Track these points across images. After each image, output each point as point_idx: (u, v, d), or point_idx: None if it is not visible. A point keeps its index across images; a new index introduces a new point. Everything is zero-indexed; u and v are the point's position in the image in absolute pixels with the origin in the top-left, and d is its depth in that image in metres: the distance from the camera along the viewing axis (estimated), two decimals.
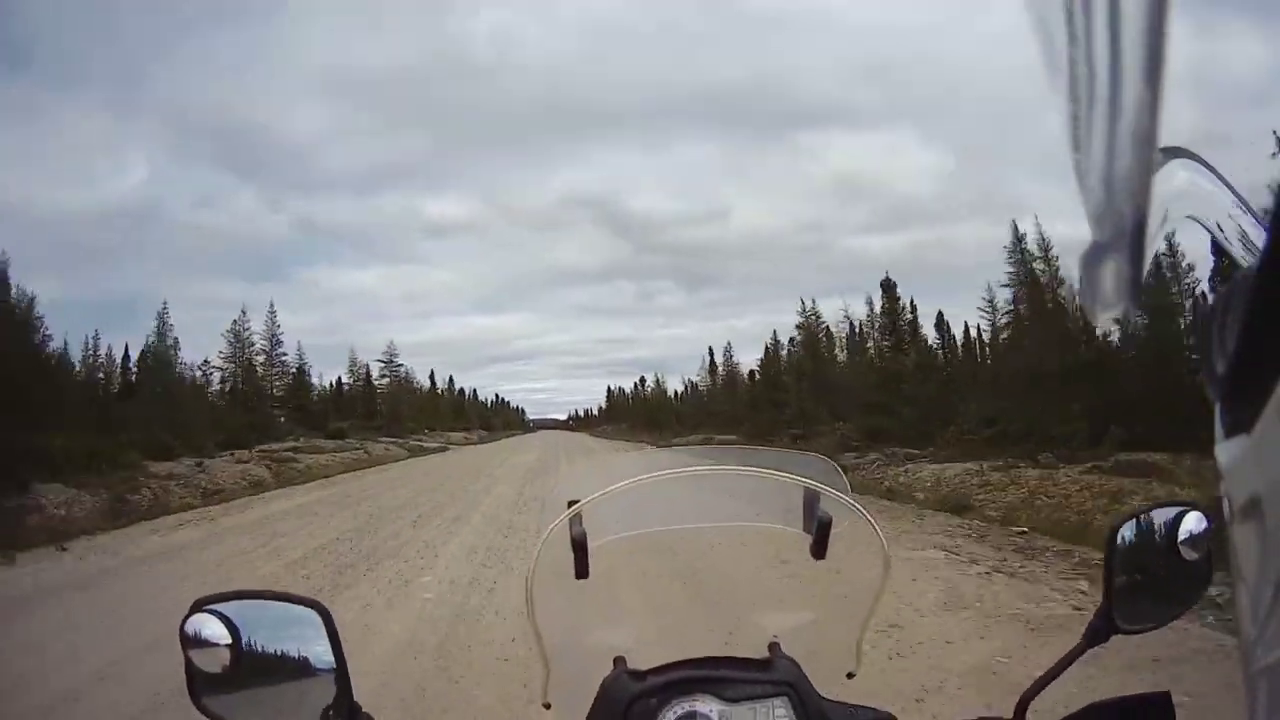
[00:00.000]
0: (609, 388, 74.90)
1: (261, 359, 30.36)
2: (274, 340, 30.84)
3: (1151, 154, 0.25)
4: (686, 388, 47.30)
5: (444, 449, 37.21)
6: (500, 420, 75.92)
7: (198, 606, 0.69)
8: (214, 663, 0.67)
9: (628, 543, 0.85)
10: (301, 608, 0.71)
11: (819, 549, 0.81)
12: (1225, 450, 0.28)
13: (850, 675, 0.85)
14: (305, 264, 75.69)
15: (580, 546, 0.79)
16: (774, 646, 0.80)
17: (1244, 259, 0.45)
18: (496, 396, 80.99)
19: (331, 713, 0.69)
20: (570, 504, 0.81)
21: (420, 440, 37.39)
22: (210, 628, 0.67)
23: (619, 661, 0.78)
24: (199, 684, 0.68)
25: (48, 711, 3.53)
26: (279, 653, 0.69)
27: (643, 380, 61.76)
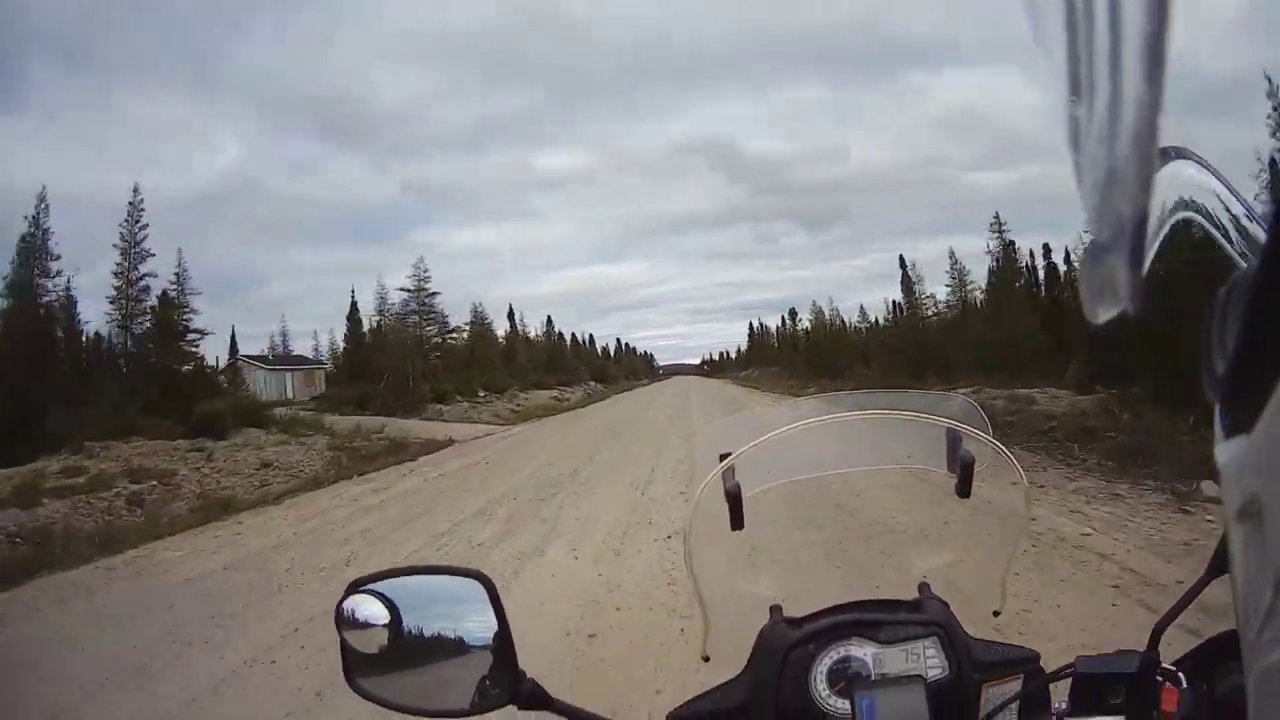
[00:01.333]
0: (751, 324, 66.86)
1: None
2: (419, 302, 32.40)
3: (1152, 154, 0.25)
4: (867, 323, 38.41)
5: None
6: (622, 368, 69.50)
7: (354, 588, 0.69)
8: (370, 643, 0.67)
9: (780, 491, 0.85)
10: (463, 579, 0.71)
11: (963, 488, 0.81)
12: (1225, 450, 0.28)
13: (996, 613, 0.86)
14: (418, 226, 75.62)
15: (735, 498, 0.80)
16: (924, 587, 0.80)
17: (1244, 259, 0.45)
18: (619, 343, 75.88)
19: (488, 683, 0.69)
20: (722, 457, 0.82)
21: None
22: (367, 608, 0.67)
23: (775, 610, 0.79)
24: (354, 665, 0.68)
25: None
26: (439, 627, 0.69)
27: (793, 313, 52.51)
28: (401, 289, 32.54)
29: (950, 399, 0.93)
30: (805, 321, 47.33)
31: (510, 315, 39.64)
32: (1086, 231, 0.28)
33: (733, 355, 76.28)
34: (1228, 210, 0.46)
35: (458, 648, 0.69)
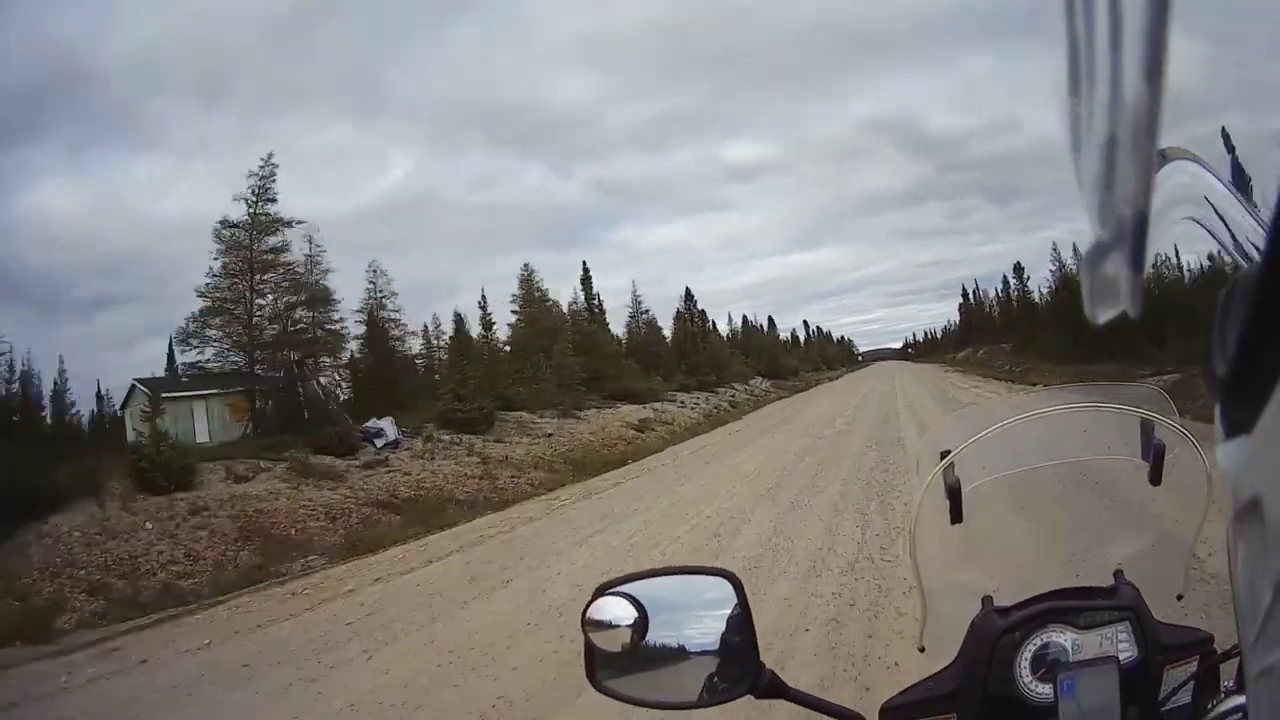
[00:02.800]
0: (965, 292, 55.99)
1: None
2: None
3: (1152, 154, 0.25)
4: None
5: None
6: (809, 359, 60.44)
7: (600, 591, 0.72)
8: (614, 643, 0.69)
9: (994, 486, 0.90)
10: (711, 577, 0.74)
11: (1155, 475, 0.84)
12: (1225, 450, 0.28)
13: (1179, 597, 0.89)
14: (610, 227, 75.40)
15: (955, 493, 0.83)
16: (1118, 574, 0.84)
17: (1244, 259, 0.45)
18: (808, 328, 67.42)
19: (725, 675, 0.72)
20: (943, 455, 0.86)
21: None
22: (613, 609, 0.70)
23: (986, 600, 0.83)
24: (598, 664, 0.71)
25: None
26: (683, 625, 0.72)
27: (1019, 270, 43.18)
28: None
29: (1140, 389, 0.96)
30: (1038, 282, 39.16)
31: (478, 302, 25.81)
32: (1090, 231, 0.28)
33: (938, 335, 70.55)
34: (1228, 211, 0.46)
35: (699, 643, 0.72)
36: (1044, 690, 0.76)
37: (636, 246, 60.83)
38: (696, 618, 0.72)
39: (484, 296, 25.47)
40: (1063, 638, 0.78)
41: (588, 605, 0.71)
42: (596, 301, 31.33)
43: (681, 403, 27.74)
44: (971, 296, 56.33)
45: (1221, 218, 0.46)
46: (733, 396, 33.55)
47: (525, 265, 27.37)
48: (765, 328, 53.94)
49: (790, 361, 52.81)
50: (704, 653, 0.72)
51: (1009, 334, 41.11)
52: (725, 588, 0.73)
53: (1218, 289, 0.29)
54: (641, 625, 0.69)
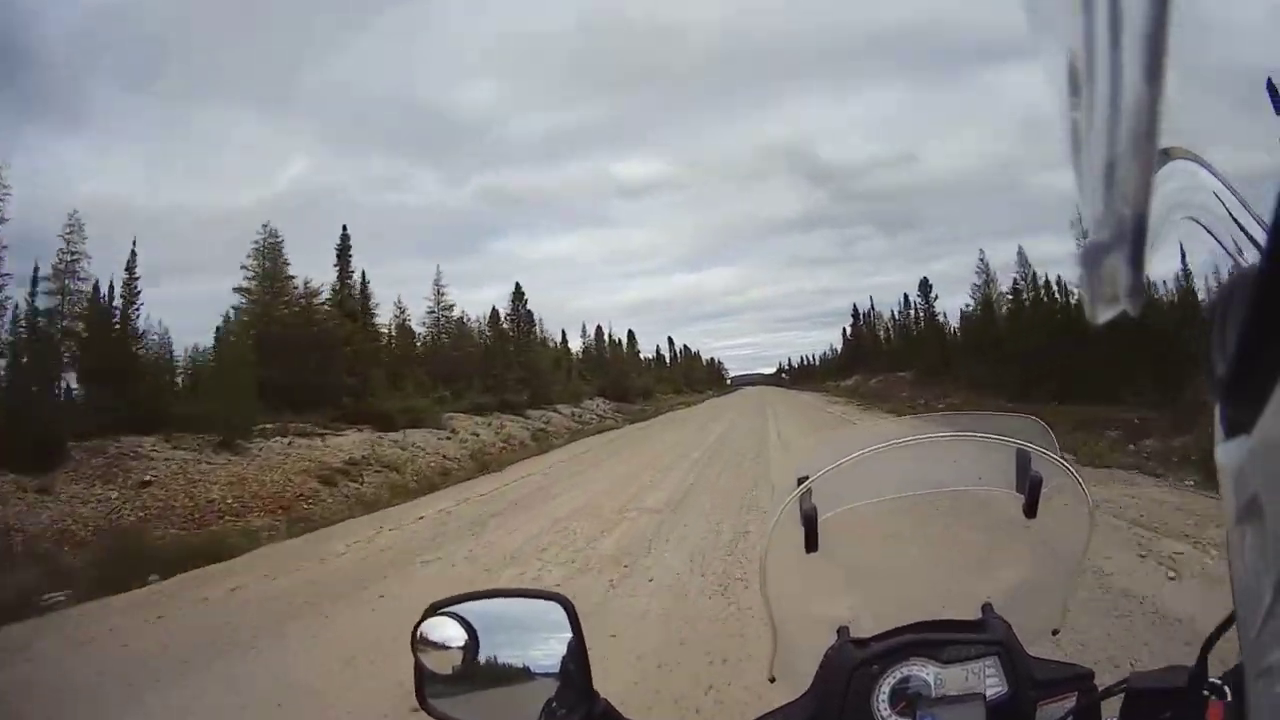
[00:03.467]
0: (856, 309, 49.10)
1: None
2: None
3: (1152, 154, 0.25)
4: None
5: None
6: (671, 380, 54.46)
7: (432, 610, 0.69)
8: (445, 664, 0.67)
9: (852, 514, 0.88)
10: (543, 601, 0.72)
11: (1030, 508, 0.83)
12: (1225, 450, 0.28)
13: (1055, 632, 0.88)
14: (498, 236, 73.27)
15: (810, 521, 0.81)
16: (986, 607, 0.82)
17: (1244, 259, 0.45)
18: (672, 346, 61.46)
19: (559, 703, 0.70)
20: (799, 481, 0.84)
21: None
22: (444, 630, 0.68)
23: (842, 631, 0.81)
24: (426, 685, 0.69)
25: None
26: (515, 649, 0.70)
27: (926, 288, 37.53)
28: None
29: (1019, 420, 0.93)
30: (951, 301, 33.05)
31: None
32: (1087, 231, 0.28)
33: (815, 361, 66.33)
34: (1228, 210, 0.46)
35: (532, 668, 0.70)
36: None
37: (523, 257, 59.10)
38: (529, 642, 0.70)
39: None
40: (924, 672, 0.75)
41: (418, 624, 0.69)
42: (364, 298, 23.46)
43: (452, 432, 19.12)
44: (864, 319, 49.97)
45: (1221, 218, 0.46)
46: (546, 423, 25.09)
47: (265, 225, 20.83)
48: (625, 343, 47.44)
49: (642, 382, 45.03)
50: (537, 678, 0.70)
51: (907, 361, 36.70)
52: (559, 612, 0.71)
53: (1217, 289, 0.29)
54: (473, 647, 0.67)
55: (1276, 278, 0.24)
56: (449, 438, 18.80)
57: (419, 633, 0.68)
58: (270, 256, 20.71)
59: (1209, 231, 0.46)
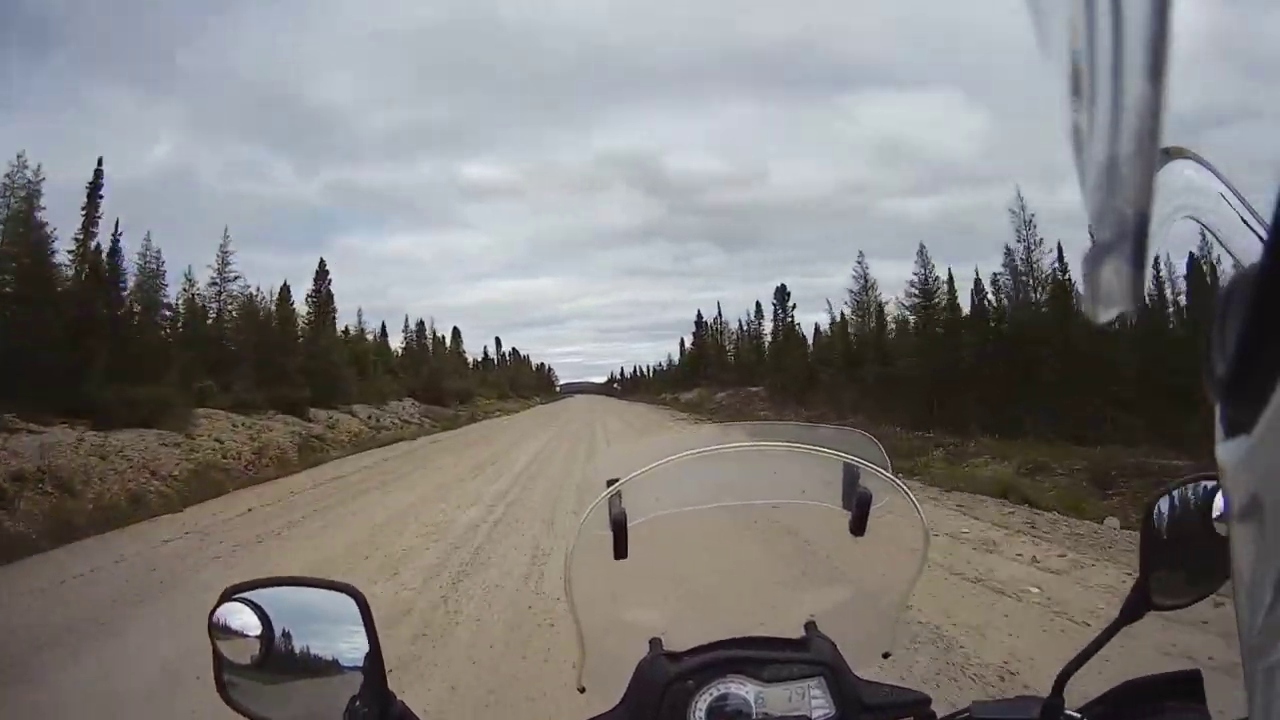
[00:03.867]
0: (700, 319, 45.83)
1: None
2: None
3: (1154, 154, 0.25)
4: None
5: None
6: (497, 384, 49.64)
7: (227, 595, 0.67)
8: (243, 654, 0.65)
9: (666, 522, 0.84)
10: (335, 593, 0.69)
11: (858, 526, 0.80)
12: (1225, 450, 0.28)
13: (886, 655, 0.85)
14: (345, 231, 71.73)
15: (619, 526, 0.78)
16: (810, 626, 0.79)
17: (1244, 259, 0.45)
18: (500, 348, 57.61)
19: (359, 703, 0.67)
20: (609, 483, 0.80)
21: None
22: (240, 617, 0.65)
23: (655, 643, 0.78)
24: (226, 675, 0.66)
25: None
26: (311, 641, 0.67)
27: (784, 295, 34.09)
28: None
29: (850, 433, 0.91)
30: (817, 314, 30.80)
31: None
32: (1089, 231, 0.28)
33: (648, 373, 63.77)
34: (1229, 210, 0.46)
35: (331, 664, 0.67)
36: None
37: (367, 254, 58.04)
38: (328, 634, 0.67)
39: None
40: (744, 690, 0.72)
41: (214, 609, 0.66)
42: (112, 258, 18.11)
43: (187, 437, 14.51)
44: (709, 328, 45.31)
45: (1222, 218, 0.46)
46: (331, 427, 20.87)
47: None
48: (448, 340, 43.00)
49: (462, 384, 40.19)
50: (338, 673, 0.67)
51: (759, 375, 33.23)
52: (351, 606, 0.68)
53: (1217, 289, 0.29)
54: (269, 636, 0.65)
55: (1276, 278, 0.24)
56: (179, 444, 13.96)
57: (215, 618, 0.65)
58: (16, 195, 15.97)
59: (1209, 231, 0.46)
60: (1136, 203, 0.26)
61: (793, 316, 34.10)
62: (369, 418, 24.70)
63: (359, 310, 32.30)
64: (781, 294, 35.21)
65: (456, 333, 44.36)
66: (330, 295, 27.63)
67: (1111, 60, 0.25)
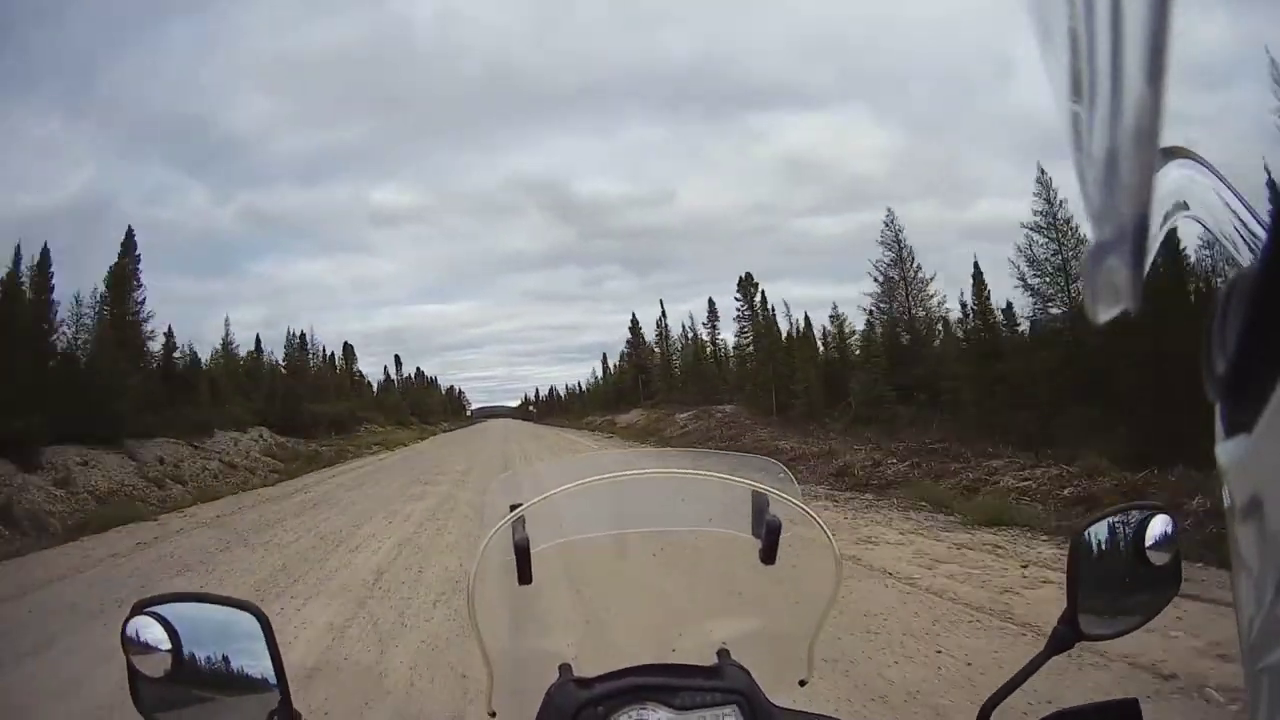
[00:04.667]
0: (636, 329, 38.95)
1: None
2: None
3: (1153, 154, 0.25)
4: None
5: None
6: (395, 408, 41.07)
7: (138, 609, 0.67)
8: (156, 667, 0.65)
9: (571, 548, 0.84)
10: (239, 611, 0.69)
11: (768, 554, 0.80)
12: (1226, 450, 0.28)
13: (802, 682, 0.84)
14: (256, 257, 70.88)
15: (523, 552, 0.77)
16: (722, 653, 0.79)
17: (1244, 259, 0.45)
18: (400, 370, 48.10)
19: (275, 717, 0.67)
20: (512, 508, 0.79)
21: None
22: (150, 631, 0.66)
23: (564, 669, 0.77)
24: (141, 688, 0.66)
25: None
26: (219, 657, 0.68)
27: (748, 287, 27.69)
28: None
29: (758, 460, 0.90)
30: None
31: None
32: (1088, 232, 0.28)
33: (562, 395, 60.52)
34: (1228, 210, 0.46)
35: (238, 679, 0.68)
36: None
37: (277, 279, 56.89)
38: (236, 650, 0.68)
39: None
40: (657, 717, 0.71)
41: (126, 620, 0.66)
42: None
43: None
44: (648, 341, 38.07)
45: (1222, 218, 0.46)
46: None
47: None
48: (337, 359, 34.67)
49: (337, 407, 30.73)
50: (243, 692, 0.68)
51: (721, 391, 28.16)
52: (253, 624, 0.68)
53: (1217, 289, 0.29)
54: (179, 651, 0.65)
55: (1276, 278, 0.24)
56: None
57: (126, 630, 0.66)
58: None
59: (1209, 231, 0.46)
60: (1136, 202, 0.26)
61: (765, 317, 28.35)
62: (170, 462, 16.27)
63: (257, 336, 27.28)
64: (748, 283, 29.42)
65: (349, 350, 36.72)
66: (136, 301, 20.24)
67: (1111, 61, 0.25)
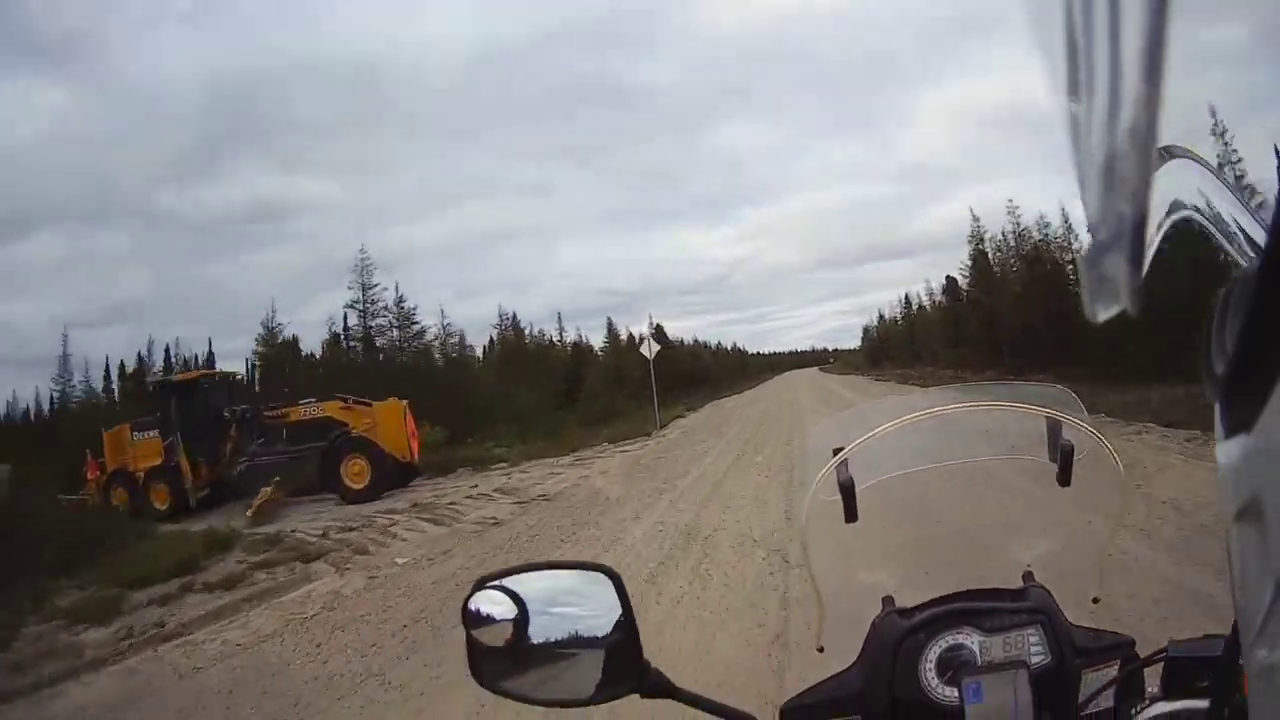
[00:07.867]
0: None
1: None
2: None
3: (1151, 153, 0.25)
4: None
5: None
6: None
7: (480, 584, 0.71)
8: (497, 638, 0.68)
9: (890, 485, 0.88)
10: (590, 573, 0.73)
11: (1064, 476, 0.83)
12: (1225, 450, 0.28)
13: (1095, 600, 0.87)
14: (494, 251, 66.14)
15: (848, 491, 0.81)
16: (1028, 575, 0.82)
17: (1244, 259, 0.44)
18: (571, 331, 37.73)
19: (612, 673, 0.70)
20: (835, 451, 0.84)
21: None
22: (493, 604, 0.69)
23: (887, 601, 0.82)
24: (480, 660, 0.70)
25: None
26: (564, 620, 0.71)
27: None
28: None
29: (1048, 389, 0.93)
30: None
31: None
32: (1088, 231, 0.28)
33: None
34: (1228, 210, 0.46)
35: (583, 639, 0.71)
36: (950, 694, 0.74)
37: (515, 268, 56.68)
38: (579, 614, 0.71)
39: None
40: (969, 640, 0.75)
41: (467, 598, 0.70)
42: None
43: None
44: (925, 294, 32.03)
45: (1221, 217, 0.46)
46: None
47: None
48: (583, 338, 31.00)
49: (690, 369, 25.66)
50: (589, 650, 0.71)
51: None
52: (606, 584, 0.72)
53: (1217, 289, 0.29)
54: (523, 621, 0.68)
55: (1276, 277, 0.24)
56: None
57: (468, 606, 0.69)
58: None
59: (1209, 231, 0.46)
60: (1135, 202, 0.25)
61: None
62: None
63: (557, 316, 26.34)
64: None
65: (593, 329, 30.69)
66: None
67: (1109, 59, 0.25)
